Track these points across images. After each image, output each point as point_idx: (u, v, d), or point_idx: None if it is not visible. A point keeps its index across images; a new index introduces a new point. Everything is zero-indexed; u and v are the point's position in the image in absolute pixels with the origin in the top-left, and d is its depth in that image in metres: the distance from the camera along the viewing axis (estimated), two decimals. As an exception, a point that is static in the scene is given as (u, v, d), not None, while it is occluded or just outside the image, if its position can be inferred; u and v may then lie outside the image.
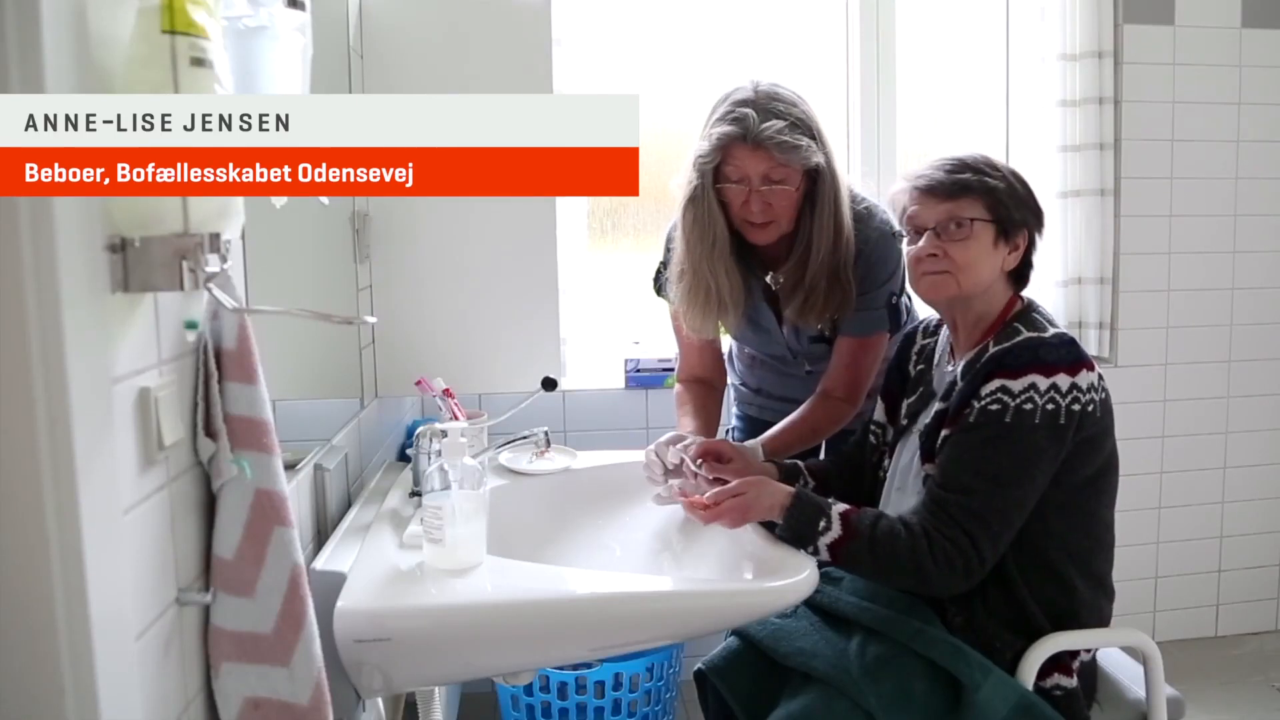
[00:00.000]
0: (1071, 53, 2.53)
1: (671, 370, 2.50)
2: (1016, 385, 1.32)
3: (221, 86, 0.79)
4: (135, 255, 0.76)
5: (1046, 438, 1.32)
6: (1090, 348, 2.64)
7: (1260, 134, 2.68)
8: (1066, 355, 1.35)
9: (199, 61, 0.76)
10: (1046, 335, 1.37)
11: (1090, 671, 1.44)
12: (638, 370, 2.49)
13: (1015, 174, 1.44)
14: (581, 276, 2.45)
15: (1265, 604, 2.86)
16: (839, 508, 1.36)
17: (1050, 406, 1.32)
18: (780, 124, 1.56)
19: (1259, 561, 2.84)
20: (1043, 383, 1.32)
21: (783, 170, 1.59)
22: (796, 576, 1.25)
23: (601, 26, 2.51)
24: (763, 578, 1.30)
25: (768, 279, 1.74)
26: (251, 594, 0.92)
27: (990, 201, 1.38)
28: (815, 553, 1.34)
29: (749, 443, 1.70)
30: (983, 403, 1.34)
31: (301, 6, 0.97)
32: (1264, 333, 2.76)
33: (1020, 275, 1.45)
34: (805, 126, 1.59)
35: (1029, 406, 1.31)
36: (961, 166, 1.41)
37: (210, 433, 0.90)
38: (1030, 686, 1.33)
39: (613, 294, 2.60)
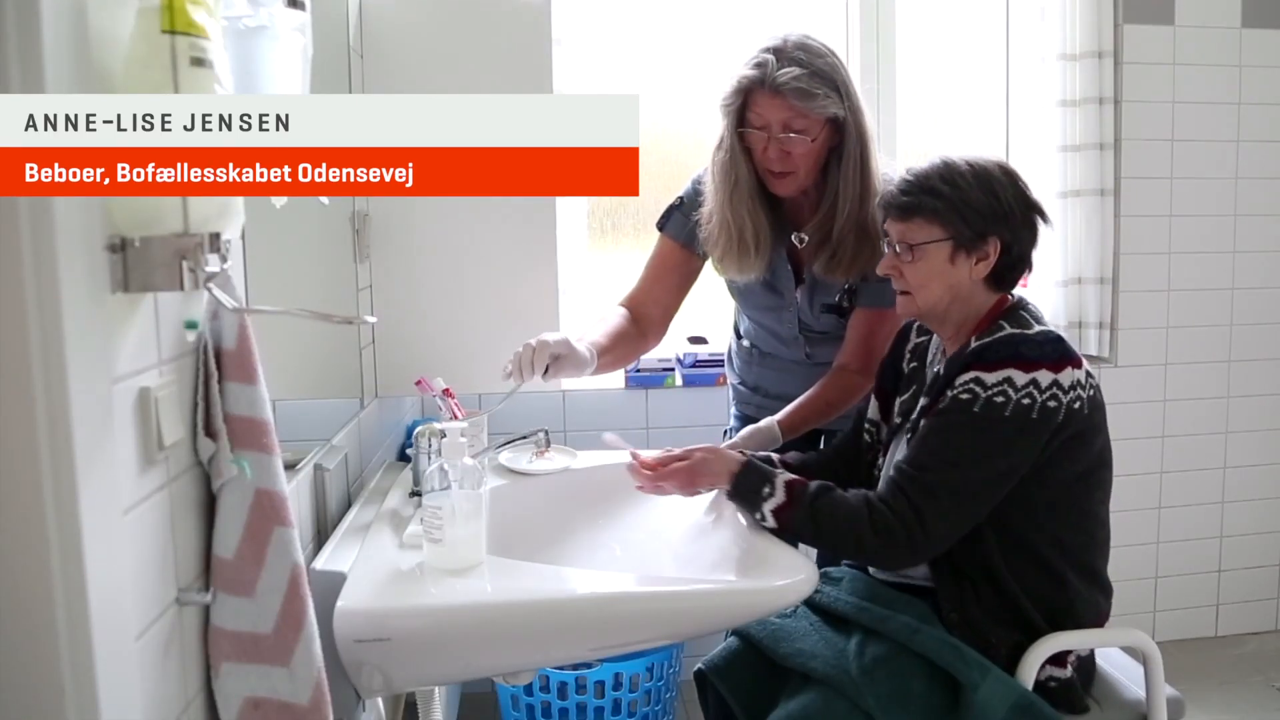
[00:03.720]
0: (1071, 53, 2.53)
1: (671, 371, 2.51)
2: (990, 378, 1.33)
3: (221, 86, 0.79)
4: (135, 255, 0.76)
5: (1015, 431, 1.31)
6: (1090, 348, 2.64)
7: (1260, 134, 2.68)
8: (1050, 352, 1.34)
9: (199, 61, 0.76)
10: (1030, 332, 1.37)
11: (1088, 664, 1.44)
12: (638, 370, 2.49)
13: (981, 180, 1.39)
14: (581, 276, 2.45)
15: (1265, 604, 2.87)
16: (786, 476, 1.39)
17: (1026, 401, 1.31)
18: (798, 71, 1.57)
19: (1259, 561, 2.84)
20: (1020, 378, 1.32)
21: (803, 120, 1.60)
22: (796, 576, 1.25)
23: (601, 26, 2.51)
24: (763, 578, 1.29)
25: (793, 238, 1.74)
26: (251, 594, 0.92)
27: (941, 220, 1.38)
28: (762, 519, 1.37)
29: (763, 421, 1.71)
30: (955, 391, 1.35)
31: (301, 6, 0.97)
32: (1264, 333, 2.76)
33: (1001, 278, 1.43)
34: (828, 78, 1.60)
35: (1000, 399, 1.32)
36: (913, 185, 1.40)
37: (210, 433, 0.90)
38: (1030, 685, 1.33)
39: (613, 294, 2.60)
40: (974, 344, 1.38)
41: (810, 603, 1.41)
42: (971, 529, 1.36)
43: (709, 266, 1.86)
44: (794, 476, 1.40)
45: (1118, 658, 1.53)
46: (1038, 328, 1.38)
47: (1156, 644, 1.41)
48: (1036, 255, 1.47)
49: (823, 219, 1.69)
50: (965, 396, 1.33)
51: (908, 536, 1.31)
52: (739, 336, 2.00)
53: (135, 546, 0.80)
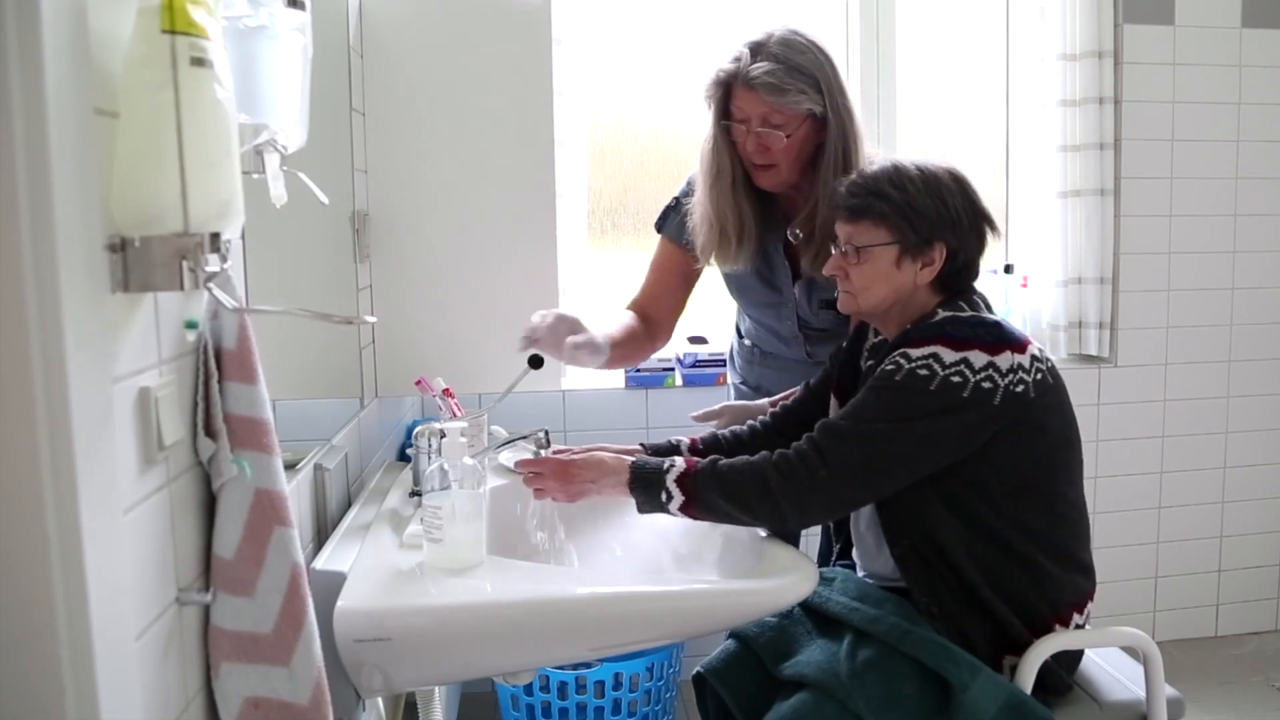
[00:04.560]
0: (1071, 53, 2.53)
1: (671, 371, 2.51)
2: (915, 352, 1.33)
3: (221, 87, 0.79)
4: (135, 255, 0.76)
5: (939, 405, 1.30)
6: (1090, 348, 2.64)
7: (1260, 134, 2.68)
8: (985, 334, 1.34)
9: (199, 61, 0.76)
10: (962, 315, 1.38)
11: (1070, 651, 1.44)
12: (638, 370, 2.50)
13: (930, 185, 1.40)
14: (581, 276, 2.45)
15: (1265, 604, 2.87)
16: (683, 456, 1.41)
17: (956, 379, 1.31)
18: (771, 66, 1.58)
19: (1259, 561, 2.84)
20: (948, 355, 1.32)
21: (780, 115, 1.61)
22: (796, 576, 1.25)
23: (601, 26, 2.51)
24: (763, 578, 1.30)
25: (789, 234, 1.74)
26: (251, 594, 0.92)
27: (889, 224, 1.39)
28: (668, 499, 1.34)
29: (757, 401, 1.74)
30: (882, 365, 1.36)
31: (301, 6, 0.98)
32: (1264, 333, 2.76)
33: (946, 283, 1.43)
34: (807, 74, 1.60)
35: (924, 372, 1.32)
36: (861, 188, 1.41)
37: (210, 432, 0.90)
38: (1030, 684, 1.33)
39: (613, 294, 2.60)
40: (908, 328, 1.40)
41: (803, 603, 1.41)
42: (932, 517, 1.36)
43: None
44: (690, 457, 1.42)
45: (1118, 658, 1.53)
46: (971, 312, 1.39)
47: (1156, 644, 1.41)
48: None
49: (808, 216, 1.69)
50: (889, 368, 1.35)
51: (809, 472, 1.31)
52: (740, 336, 2.00)
53: (135, 546, 0.80)
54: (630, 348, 1.80)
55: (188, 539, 0.91)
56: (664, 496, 1.35)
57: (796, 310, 1.81)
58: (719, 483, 1.34)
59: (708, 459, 1.37)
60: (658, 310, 1.88)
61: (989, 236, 1.45)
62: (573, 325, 1.59)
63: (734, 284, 1.88)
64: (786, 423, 1.61)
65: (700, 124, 1.76)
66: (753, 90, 1.59)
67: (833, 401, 1.58)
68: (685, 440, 1.59)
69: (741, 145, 1.66)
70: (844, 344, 1.62)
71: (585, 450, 1.46)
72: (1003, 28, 2.67)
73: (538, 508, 1.48)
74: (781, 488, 1.31)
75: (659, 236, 1.88)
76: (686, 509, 1.34)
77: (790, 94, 1.58)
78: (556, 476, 1.39)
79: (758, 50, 1.61)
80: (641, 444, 1.58)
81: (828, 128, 1.64)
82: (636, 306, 1.88)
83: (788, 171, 1.67)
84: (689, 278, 1.88)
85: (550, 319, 1.57)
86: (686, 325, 2.47)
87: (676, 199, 1.84)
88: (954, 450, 1.33)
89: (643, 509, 1.38)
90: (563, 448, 1.49)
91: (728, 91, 1.65)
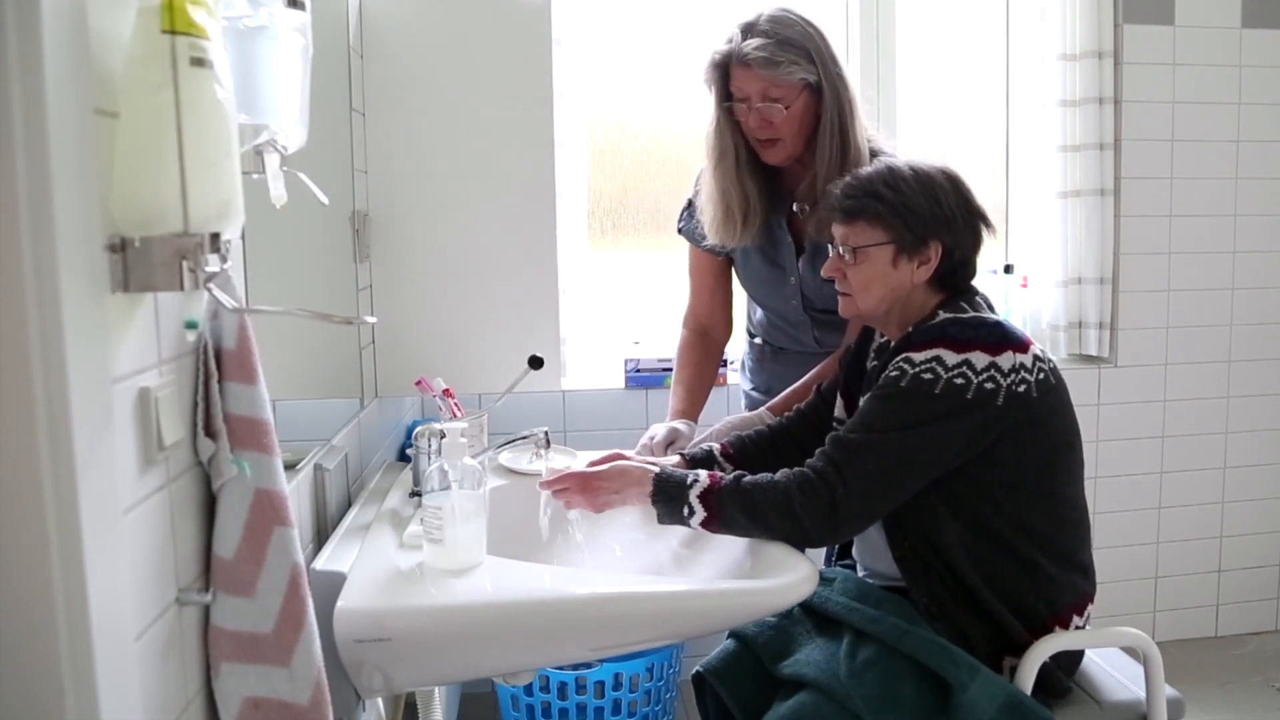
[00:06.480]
0: (1071, 53, 2.53)
1: (670, 370, 2.50)
2: (919, 356, 1.34)
3: (221, 87, 0.79)
4: (135, 255, 0.76)
5: (946, 408, 1.31)
6: (1090, 348, 2.64)
7: (1260, 134, 2.68)
8: (986, 335, 1.34)
9: (199, 61, 0.76)
10: (963, 316, 1.38)
11: (1070, 652, 1.44)
12: (638, 370, 2.49)
13: (924, 184, 1.41)
14: (581, 276, 2.45)
15: (1265, 604, 2.87)
16: (706, 471, 1.41)
17: (959, 381, 1.31)
18: (763, 41, 1.63)
19: (1259, 561, 2.84)
20: (950, 357, 1.32)
21: (778, 88, 1.65)
22: (796, 576, 1.25)
23: (601, 26, 2.51)
24: (763, 578, 1.29)
25: (794, 208, 1.77)
26: (251, 594, 0.92)
27: (884, 224, 1.40)
28: (690, 513, 1.35)
29: (759, 410, 1.77)
30: (886, 372, 1.37)
31: (301, 6, 0.97)
32: (1264, 333, 2.76)
33: (943, 281, 1.44)
34: (798, 45, 1.64)
35: (928, 375, 1.32)
36: (856, 189, 1.43)
37: (210, 433, 0.90)
38: (1030, 685, 1.33)
39: (613, 294, 2.60)
40: (910, 332, 1.41)
41: (803, 603, 1.41)
42: (933, 519, 1.36)
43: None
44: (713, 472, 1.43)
45: (1118, 658, 1.53)
46: (972, 313, 1.39)
47: (1156, 644, 1.41)
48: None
49: (810, 184, 1.72)
50: (894, 374, 1.35)
51: (829, 490, 1.31)
52: (751, 337, 2.02)
53: (135, 546, 0.80)
54: (707, 385, 1.94)
55: (188, 539, 0.91)
56: (686, 511, 1.35)
57: (801, 288, 1.82)
58: (742, 500, 1.34)
59: (732, 475, 1.37)
60: (710, 314, 1.97)
61: (984, 234, 1.46)
62: (673, 436, 1.74)
63: (739, 266, 1.91)
64: (802, 428, 1.63)
65: (700, 123, 1.77)
66: (748, 67, 1.64)
67: (838, 400, 1.59)
68: (717, 446, 1.61)
69: (745, 123, 1.70)
70: (851, 345, 1.62)
71: (607, 457, 1.48)
72: (1003, 28, 2.67)
73: (550, 505, 1.50)
74: (805, 509, 1.32)
75: (688, 246, 1.94)
76: (708, 524, 1.35)
77: (783, 65, 1.62)
78: (581, 491, 1.42)
79: (749, 29, 1.65)
80: (681, 454, 1.61)
81: (823, 96, 1.66)
82: (691, 317, 1.97)
83: (792, 144, 1.70)
84: (722, 272, 1.94)
85: (659, 436, 1.74)
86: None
87: (690, 200, 1.88)
88: (961, 452, 1.33)
89: (663, 520, 1.38)
90: (595, 459, 1.50)
91: (725, 73, 1.69)
